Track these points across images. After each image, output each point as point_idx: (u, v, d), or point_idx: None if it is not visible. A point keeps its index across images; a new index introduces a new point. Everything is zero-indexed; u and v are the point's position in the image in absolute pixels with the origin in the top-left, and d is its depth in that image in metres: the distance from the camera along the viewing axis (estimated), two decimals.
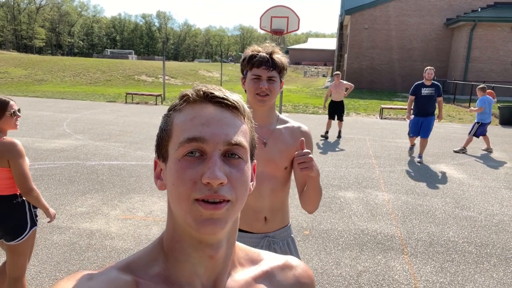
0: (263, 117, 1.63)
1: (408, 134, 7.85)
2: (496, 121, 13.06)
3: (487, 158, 7.89)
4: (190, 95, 0.62)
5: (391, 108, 14.01)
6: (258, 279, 0.71)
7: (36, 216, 2.52)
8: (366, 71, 25.98)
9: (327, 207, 4.89)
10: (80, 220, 4.26)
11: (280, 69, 1.57)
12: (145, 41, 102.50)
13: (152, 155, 7.11)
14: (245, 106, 0.65)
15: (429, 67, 7.40)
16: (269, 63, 1.55)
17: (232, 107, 0.62)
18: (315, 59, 60.43)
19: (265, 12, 10.63)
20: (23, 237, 2.42)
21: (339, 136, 9.76)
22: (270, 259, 0.75)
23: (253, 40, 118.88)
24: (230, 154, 0.60)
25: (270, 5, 10.77)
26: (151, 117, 12.12)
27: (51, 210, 2.53)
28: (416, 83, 7.52)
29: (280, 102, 11.71)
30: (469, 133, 8.53)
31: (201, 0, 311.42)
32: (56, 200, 4.83)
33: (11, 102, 2.39)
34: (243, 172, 0.61)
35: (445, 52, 25.03)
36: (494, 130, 11.54)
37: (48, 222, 2.59)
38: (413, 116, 7.54)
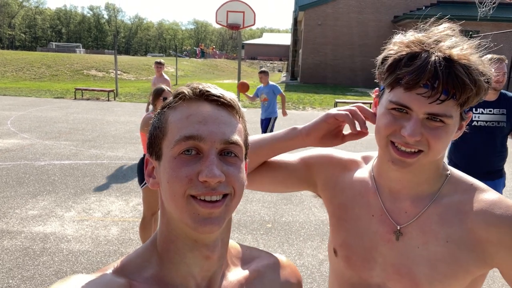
0: (408, 181, 0.84)
1: None
2: None
3: None
4: (186, 92, 0.61)
5: (345, 102, 14.52)
6: (250, 278, 0.71)
7: None
8: (320, 67, 26.63)
9: (288, 200, 4.99)
10: (32, 224, 4.03)
11: (469, 95, 0.72)
12: (94, 34, 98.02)
13: (107, 153, 6.87)
14: (240, 104, 0.65)
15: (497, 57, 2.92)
16: (442, 81, 0.70)
17: (228, 106, 0.62)
18: (271, 54, 60.98)
19: (221, 6, 10.56)
20: None
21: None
22: (261, 258, 0.76)
23: (208, 34, 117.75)
24: (226, 152, 0.60)
25: (224, 0, 10.71)
26: (104, 114, 11.66)
27: None
28: None
29: (237, 98, 11.71)
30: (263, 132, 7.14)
31: None
32: (4, 204, 4.53)
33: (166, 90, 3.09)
34: (240, 169, 0.61)
35: None
36: None
37: None
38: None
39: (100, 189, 5.16)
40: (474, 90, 0.70)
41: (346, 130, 0.95)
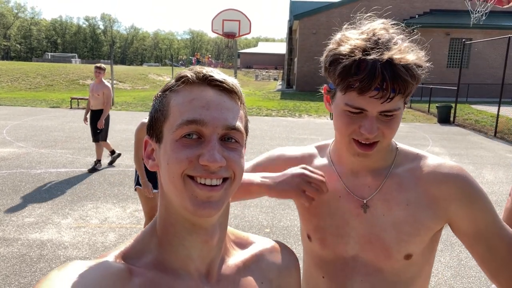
0: (367, 160, 0.93)
1: None
2: (434, 120, 14.03)
3: None
4: (190, 76, 0.61)
5: None
6: (248, 262, 0.71)
7: None
8: (316, 74, 26.79)
9: (286, 205, 4.99)
10: (29, 231, 4.00)
11: (411, 88, 0.82)
12: (89, 44, 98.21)
13: (104, 161, 6.84)
14: (241, 90, 0.65)
15: None
16: (389, 84, 0.78)
17: (230, 91, 0.62)
18: (266, 63, 61.31)
19: (217, 15, 10.65)
20: None
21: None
22: (259, 243, 0.76)
23: (204, 44, 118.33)
24: (227, 138, 0.60)
25: (219, 10, 10.81)
26: None
27: None
28: None
29: None
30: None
31: (148, 4, 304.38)
32: (0, 211, 4.49)
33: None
34: (240, 154, 0.62)
35: None
36: (433, 128, 12.40)
37: None
38: None
39: (96, 196, 5.14)
40: (414, 83, 0.81)
41: None
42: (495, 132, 10.95)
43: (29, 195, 5.09)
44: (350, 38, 0.83)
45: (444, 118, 13.59)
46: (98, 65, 6.48)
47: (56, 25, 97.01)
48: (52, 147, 8.05)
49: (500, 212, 4.87)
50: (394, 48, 0.80)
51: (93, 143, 6.62)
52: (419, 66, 0.81)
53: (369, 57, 0.78)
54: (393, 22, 0.88)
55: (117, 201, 4.98)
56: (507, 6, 8.32)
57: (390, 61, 0.78)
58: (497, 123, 11.06)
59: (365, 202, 0.93)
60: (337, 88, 0.85)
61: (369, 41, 0.81)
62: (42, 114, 13.13)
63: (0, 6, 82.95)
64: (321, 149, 1.05)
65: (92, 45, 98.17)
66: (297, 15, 26.76)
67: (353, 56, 0.79)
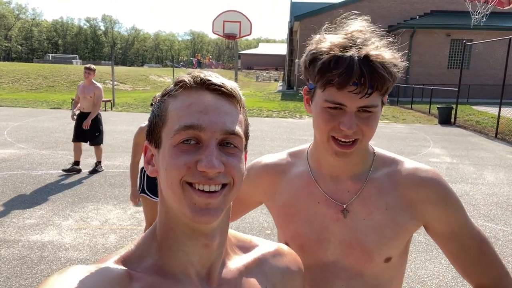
0: (346, 164, 0.94)
1: None
2: (435, 121, 14.02)
3: (429, 155, 8.46)
4: (187, 81, 0.61)
5: None
6: (250, 266, 0.71)
7: None
8: None
9: None
10: (30, 232, 4.01)
11: (388, 85, 0.83)
12: (90, 45, 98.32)
13: (105, 162, 6.85)
14: (241, 93, 0.64)
15: None
16: (366, 79, 0.80)
17: (229, 95, 0.61)
18: (267, 64, 61.31)
19: (217, 17, 10.67)
20: None
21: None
22: (261, 246, 0.75)
23: (204, 45, 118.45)
24: (226, 143, 0.59)
25: (220, 11, 10.82)
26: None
27: None
28: None
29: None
30: None
31: (148, 5, 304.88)
32: (1, 213, 4.50)
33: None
34: (240, 160, 0.61)
35: None
36: (434, 129, 12.40)
37: None
38: None
39: (97, 197, 5.14)
40: (391, 80, 0.82)
41: None
42: (496, 133, 10.94)
43: (30, 196, 5.10)
44: (328, 38, 0.86)
45: (445, 119, 13.58)
46: (87, 65, 6.29)
47: (57, 26, 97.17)
48: (53, 148, 8.06)
49: (500, 212, 4.86)
50: (371, 46, 0.82)
51: (94, 145, 6.61)
52: (395, 64, 0.83)
53: (347, 54, 0.80)
54: (371, 26, 0.90)
55: (118, 202, 4.98)
56: (508, 7, 8.33)
57: (368, 57, 0.80)
58: (498, 124, 11.05)
59: (344, 207, 0.92)
60: (317, 86, 0.87)
61: (347, 39, 0.84)
62: (43, 115, 13.15)
63: (1, 7, 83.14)
64: (296, 154, 1.05)
65: (93, 46, 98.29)
66: (297, 16, 26.77)
67: (332, 53, 0.82)
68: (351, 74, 0.79)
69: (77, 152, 6.36)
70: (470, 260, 0.92)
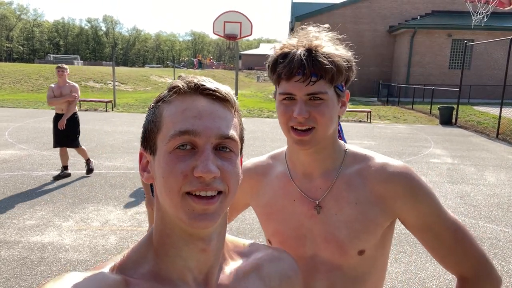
0: (315, 160, 0.98)
1: None
2: (436, 121, 14.00)
3: (430, 156, 8.45)
4: (181, 86, 0.61)
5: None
6: (247, 271, 0.70)
7: None
8: None
9: None
10: (30, 233, 4.01)
11: (332, 73, 0.88)
12: (92, 46, 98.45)
13: (105, 163, 6.86)
14: (235, 98, 0.64)
15: None
16: (308, 67, 0.87)
17: (223, 100, 0.61)
18: None
19: (218, 17, 10.67)
20: None
21: None
22: (258, 252, 0.75)
23: (205, 45, 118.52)
24: (221, 147, 0.59)
25: (221, 11, 10.84)
26: (102, 124, 11.66)
27: None
28: None
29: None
30: None
31: (149, 5, 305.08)
32: (1, 214, 4.50)
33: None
34: (235, 164, 0.61)
35: (388, 57, 26.44)
36: (435, 129, 12.38)
37: None
38: None
39: (98, 198, 5.15)
40: (335, 69, 0.88)
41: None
42: (497, 134, 10.92)
43: (31, 197, 5.10)
44: (284, 42, 0.95)
45: (446, 119, 13.56)
46: (59, 65, 5.95)
47: (59, 26, 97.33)
48: (53, 149, 8.05)
49: (501, 213, 4.84)
50: (316, 41, 0.90)
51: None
52: (338, 56, 0.89)
53: (293, 49, 0.90)
54: (328, 32, 0.95)
55: (118, 203, 4.98)
56: (508, 8, 8.32)
57: (310, 49, 0.89)
58: (499, 124, 11.03)
59: (317, 203, 0.97)
60: (274, 84, 0.95)
61: (298, 40, 0.92)
62: (44, 116, 13.17)
63: (2, 8, 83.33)
64: (276, 156, 1.10)
65: (94, 46, 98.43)
66: (298, 16, 26.75)
67: (281, 51, 0.92)
68: (293, 64, 0.87)
69: (64, 157, 6.10)
70: (446, 249, 0.94)
